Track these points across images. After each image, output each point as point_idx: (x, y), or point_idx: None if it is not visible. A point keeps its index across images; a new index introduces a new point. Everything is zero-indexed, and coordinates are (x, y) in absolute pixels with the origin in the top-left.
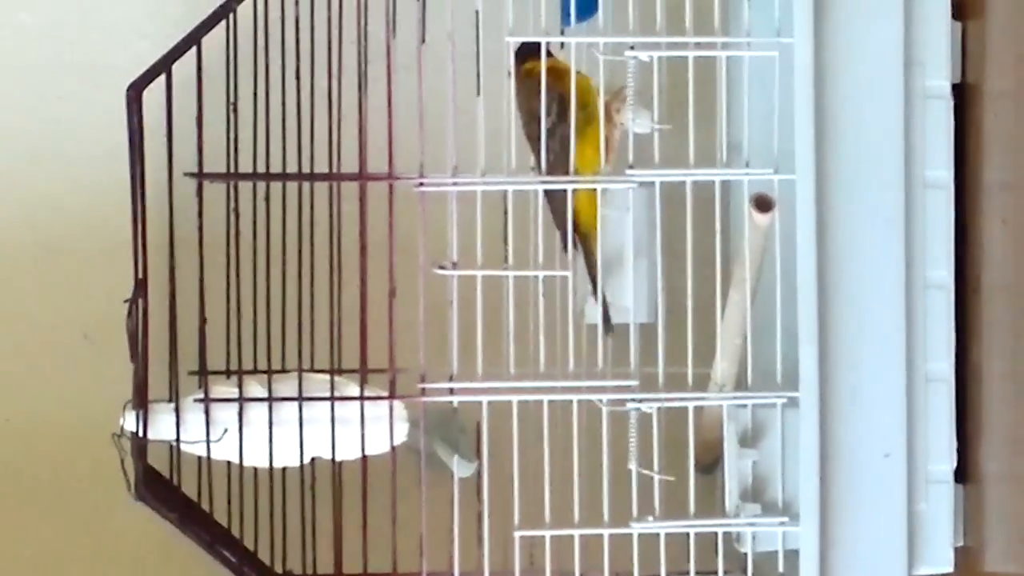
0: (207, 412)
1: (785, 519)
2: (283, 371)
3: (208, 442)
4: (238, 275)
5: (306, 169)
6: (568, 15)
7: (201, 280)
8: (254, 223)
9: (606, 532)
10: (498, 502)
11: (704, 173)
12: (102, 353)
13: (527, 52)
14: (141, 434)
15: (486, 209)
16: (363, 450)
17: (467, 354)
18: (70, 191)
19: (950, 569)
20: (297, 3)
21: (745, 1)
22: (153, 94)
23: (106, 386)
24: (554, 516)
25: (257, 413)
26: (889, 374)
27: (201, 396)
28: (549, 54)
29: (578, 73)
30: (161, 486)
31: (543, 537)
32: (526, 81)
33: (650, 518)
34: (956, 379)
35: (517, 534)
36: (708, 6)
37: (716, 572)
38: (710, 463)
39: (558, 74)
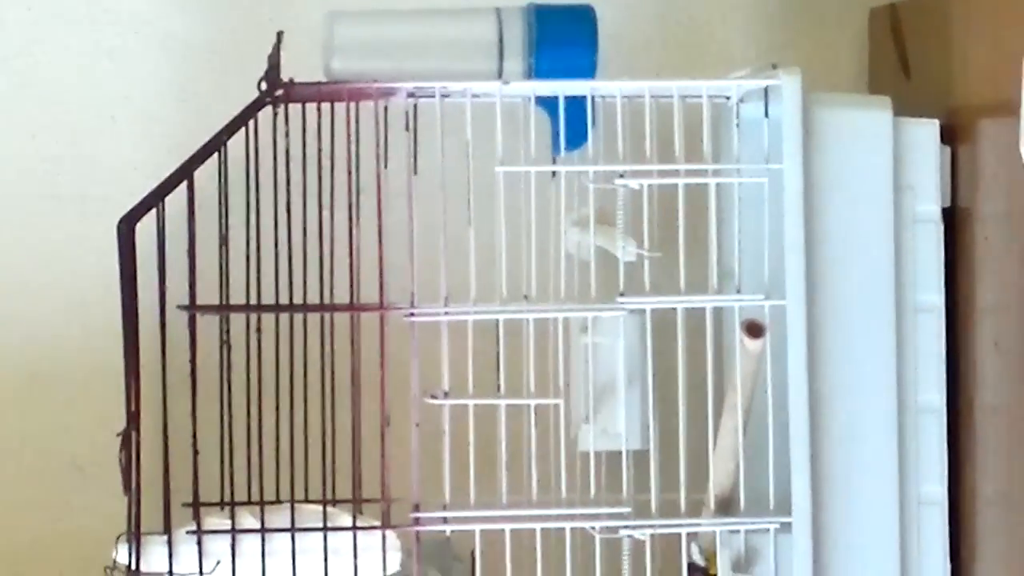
0: (200, 544)
1: None
2: (276, 502)
3: (201, 574)
4: (230, 406)
5: (298, 300)
6: (558, 144)
7: (193, 411)
8: (247, 354)
9: None
10: None
11: (695, 300)
12: (94, 483)
13: None
14: (134, 567)
15: (478, 337)
16: None
17: (460, 482)
18: (61, 320)
19: None
20: (287, 135)
21: (735, 128)
22: (145, 225)
23: (98, 517)
24: None
25: (250, 544)
26: (882, 499)
27: (194, 528)
28: None
29: None
30: None
31: None
32: None
33: None
34: (950, 502)
35: None
36: (697, 133)
37: None
38: None
39: None
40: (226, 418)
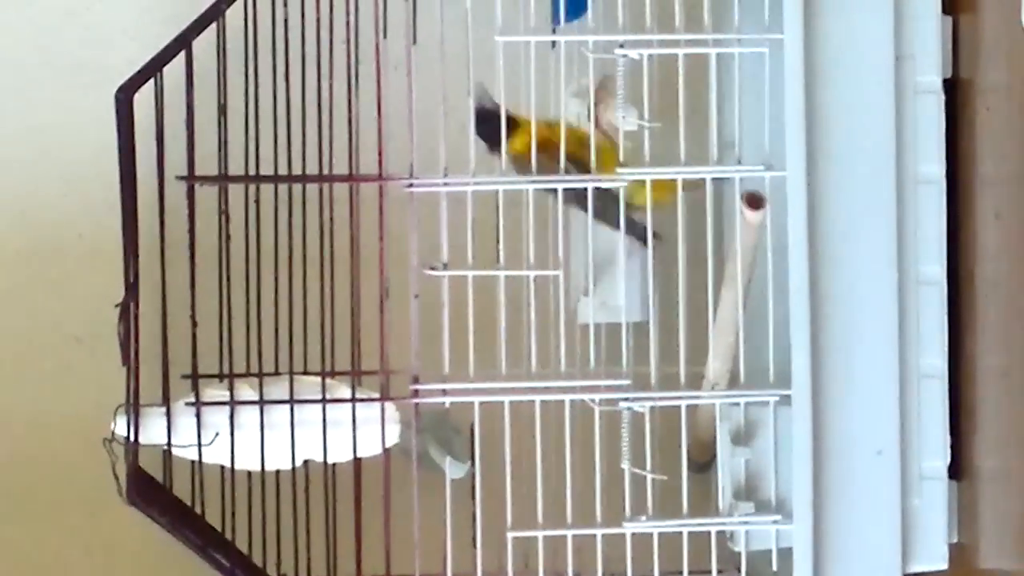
0: (198, 416)
1: (779, 517)
2: (275, 374)
3: (200, 446)
4: (229, 278)
5: (297, 171)
6: (558, 14)
7: (192, 283)
8: (245, 226)
9: (599, 532)
10: (491, 503)
11: (695, 171)
12: (93, 356)
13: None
14: (132, 438)
15: (477, 209)
16: (355, 452)
17: (459, 355)
18: (60, 193)
19: (944, 566)
20: (286, 5)
21: None
22: (143, 96)
23: (97, 389)
24: (547, 517)
25: (248, 416)
26: (882, 371)
27: (192, 400)
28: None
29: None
30: (153, 490)
31: (536, 538)
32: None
33: (643, 518)
34: (949, 375)
35: (510, 535)
36: (698, 3)
37: (710, 571)
38: (704, 462)
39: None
40: (225, 290)
